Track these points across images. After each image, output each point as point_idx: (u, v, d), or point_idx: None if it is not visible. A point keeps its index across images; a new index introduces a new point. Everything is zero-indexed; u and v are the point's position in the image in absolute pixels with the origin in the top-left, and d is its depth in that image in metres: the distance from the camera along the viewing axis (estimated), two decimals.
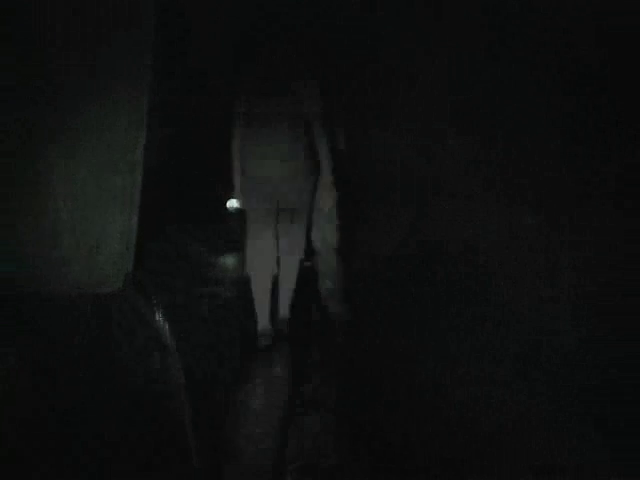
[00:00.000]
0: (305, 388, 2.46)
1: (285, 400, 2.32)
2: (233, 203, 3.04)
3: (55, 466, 1.29)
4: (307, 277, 3.57)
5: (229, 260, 3.47)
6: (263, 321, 2.90)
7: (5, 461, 1.07)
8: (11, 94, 1.49)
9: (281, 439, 1.98)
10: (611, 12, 1.47)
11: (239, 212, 2.98)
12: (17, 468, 1.08)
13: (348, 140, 3.49)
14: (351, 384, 2.54)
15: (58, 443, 1.32)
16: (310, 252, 3.58)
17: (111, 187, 1.79)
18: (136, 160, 1.51)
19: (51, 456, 1.28)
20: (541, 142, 1.79)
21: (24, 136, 1.56)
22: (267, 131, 2.67)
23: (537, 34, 1.87)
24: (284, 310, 2.99)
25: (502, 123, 2.07)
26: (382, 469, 1.80)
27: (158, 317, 2.23)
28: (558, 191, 1.68)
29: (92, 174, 1.72)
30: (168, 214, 2.98)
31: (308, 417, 2.19)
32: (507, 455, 1.50)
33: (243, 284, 3.29)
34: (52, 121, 1.54)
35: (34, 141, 1.60)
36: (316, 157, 2.79)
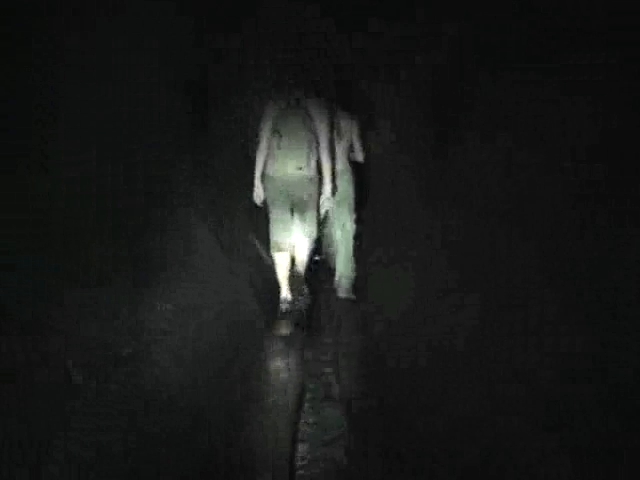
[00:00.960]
0: (317, 382, 2.48)
1: (297, 394, 2.33)
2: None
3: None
4: (314, 265, 4.03)
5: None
6: (283, 292, 3.48)
7: None
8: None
9: (293, 433, 1.99)
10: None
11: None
12: None
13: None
14: (361, 380, 2.55)
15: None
16: (320, 250, 4.15)
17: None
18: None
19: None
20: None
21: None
22: (286, 140, 3.33)
23: (537, 34, 1.88)
24: (300, 283, 3.58)
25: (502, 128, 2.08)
26: (392, 465, 1.81)
27: (163, 309, 2.25)
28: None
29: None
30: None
31: (320, 411, 2.21)
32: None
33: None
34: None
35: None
36: (321, 160, 3.43)
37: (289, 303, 3.45)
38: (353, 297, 3.82)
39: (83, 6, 2.05)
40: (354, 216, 3.84)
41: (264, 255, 3.89)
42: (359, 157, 3.83)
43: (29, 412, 1.32)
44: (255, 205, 3.51)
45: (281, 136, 3.30)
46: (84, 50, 2.06)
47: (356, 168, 3.87)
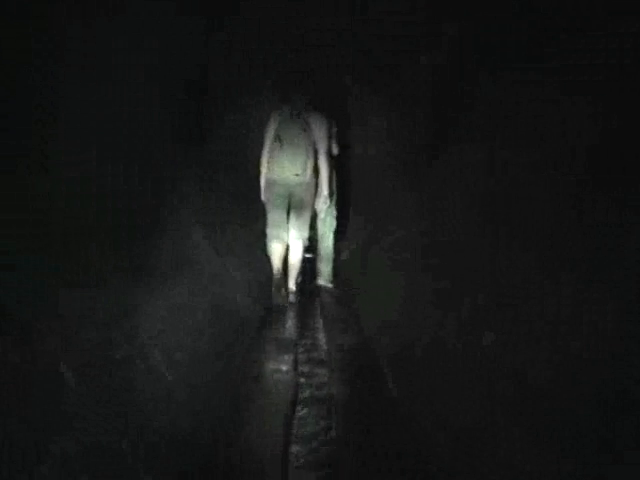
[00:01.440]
0: (310, 383, 2.49)
1: (291, 394, 2.33)
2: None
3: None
4: (308, 264, 4.50)
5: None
6: (275, 267, 3.82)
7: None
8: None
9: (286, 434, 1.99)
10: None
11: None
12: None
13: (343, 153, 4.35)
14: (354, 381, 2.55)
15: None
16: (312, 248, 4.53)
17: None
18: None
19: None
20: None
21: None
22: (286, 148, 3.69)
23: (537, 34, 1.88)
24: (292, 281, 4.00)
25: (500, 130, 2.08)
26: (388, 465, 1.81)
27: (161, 310, 2.25)
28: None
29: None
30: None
31: (313, 412, 2.21)
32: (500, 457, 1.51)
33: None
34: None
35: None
36: (319, 168, 3.81)
37: (280, 279, 3.80)
38: (331, 285, 4.35)
39: (83, 6, 2.05)
40: (335, 212, 4.34)
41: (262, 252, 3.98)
42: (334, 150, 4.19)
43: (29, 412, 1.32)
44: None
45: (282, 142, 3.69)
46: (84, 50, 2.06)
47: (336, 169, 4.27)
